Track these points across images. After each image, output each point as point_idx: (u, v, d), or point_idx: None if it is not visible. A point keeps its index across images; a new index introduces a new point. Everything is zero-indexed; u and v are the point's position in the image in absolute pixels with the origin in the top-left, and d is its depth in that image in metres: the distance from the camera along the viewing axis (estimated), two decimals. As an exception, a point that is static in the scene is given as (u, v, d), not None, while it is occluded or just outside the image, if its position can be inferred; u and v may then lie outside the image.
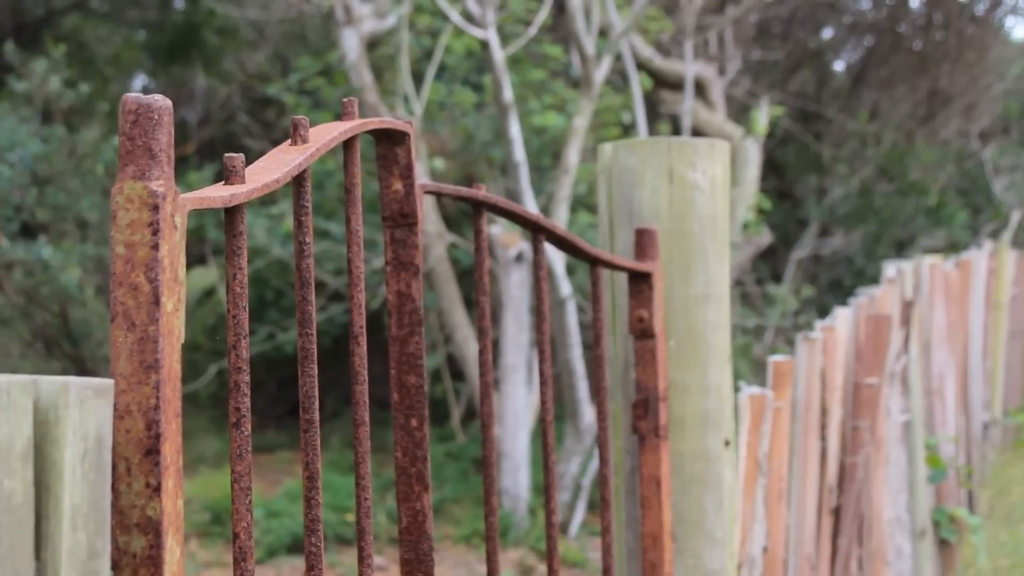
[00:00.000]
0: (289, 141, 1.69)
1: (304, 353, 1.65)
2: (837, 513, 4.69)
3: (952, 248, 14.32)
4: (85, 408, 1.17)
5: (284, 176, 1.56)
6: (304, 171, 1.65)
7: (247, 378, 1.50)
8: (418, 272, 2.06)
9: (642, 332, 2.77)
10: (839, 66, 17.72)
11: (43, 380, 1.15)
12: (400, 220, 2.06)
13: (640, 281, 2.78)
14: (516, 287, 9.43)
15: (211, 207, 1.40)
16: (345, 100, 1.83)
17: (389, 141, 2.03)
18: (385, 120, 1.95)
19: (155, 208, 1.26)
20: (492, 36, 9.17)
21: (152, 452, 1.26)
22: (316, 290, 11.45)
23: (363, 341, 1.82)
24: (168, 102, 1.29)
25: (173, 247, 1.29)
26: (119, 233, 1.27)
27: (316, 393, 1.67)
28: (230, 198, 1.44)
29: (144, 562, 1.26)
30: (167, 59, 15.96)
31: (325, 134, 1.73)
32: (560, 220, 9.26)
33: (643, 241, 2.78)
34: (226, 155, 1.48)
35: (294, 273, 1.67)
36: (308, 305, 1.66)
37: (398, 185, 2.05)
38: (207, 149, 16.29)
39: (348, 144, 1.81)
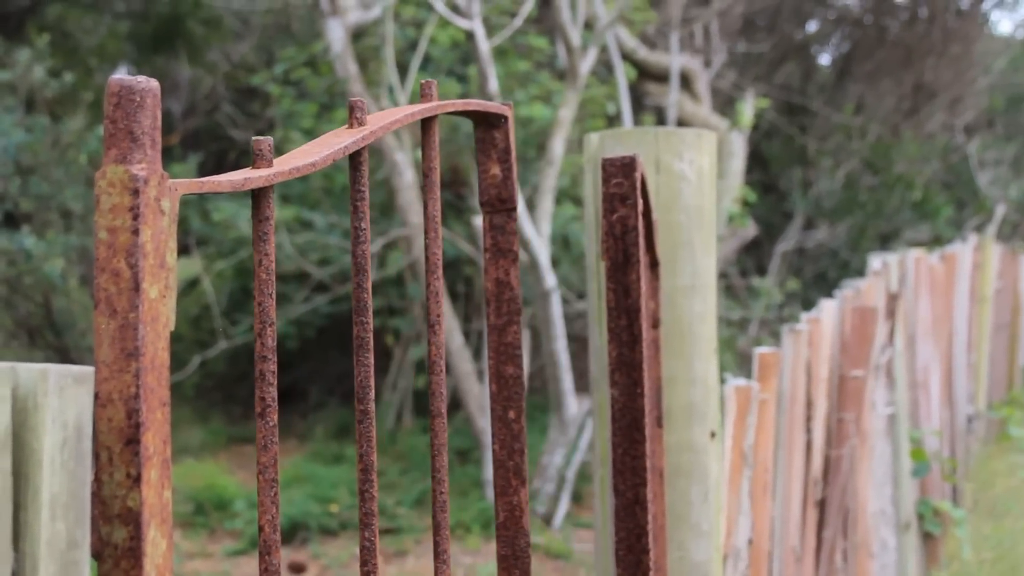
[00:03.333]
0: (346, 124, 1.65)
1: (360, 342, 1.63)
2: (822, 505, 4.68)
3: (937, 242, 14.33)
4: (64, 396, 1.15)
5: (322, 160, 1.53)
6: (360, 153, 1.62)
7: (273, 367, 1.48)
8: (516, 259, 2.02)
9: (654, 323, 2.75)
10: (824, 59, 17.73)
11: (21, 367, 1.13)
12: (498, 205, 2.02)
13: (653, 272, 2.76)
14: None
15: (213, 191, 1.38)
16: (423, 82, 1.80)
17: (487, 125, 1.99)
18: (482, 103, 1.91)
19: (136, 192, 1.23)
20: (478, 27, 9.15)
21: (133, 441, 1.24)
22: (300, 281, 11.42)
23: (440, 330, 1.79)
24: (153, 84, 1.26)
25: (158, 232, 1.26)
26: (101, 218, 1.24)
27: (372, 383, 1.65)
28: (244, 182, 1.41)
29: (125, 553, 1.24)
30: (151, 49, 15.90)
31: (388, 117, 1.70)
32: (545, 212, 9.24)
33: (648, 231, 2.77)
34: (254, 138, 1.45)
35: (351, 260, 1.63)
36: (364, 293, 1.63)
37: (496, 169, 2.01)
38: (191, 140, 16.24)
39: (427, 126, 1.77)
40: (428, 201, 1.76)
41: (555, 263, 10.28)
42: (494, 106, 1.97)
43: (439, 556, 1.78)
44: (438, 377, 1.76)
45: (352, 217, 1.61)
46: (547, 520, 9.04)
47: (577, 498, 9.39)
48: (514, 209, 2.01)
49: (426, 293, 1.79)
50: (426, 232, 1.78)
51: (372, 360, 1.63)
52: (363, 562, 1.65)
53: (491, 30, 10.29)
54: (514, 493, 2.03)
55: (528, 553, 2.03)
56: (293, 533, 8.93)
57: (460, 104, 1.89)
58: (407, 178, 9.73)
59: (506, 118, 1.99)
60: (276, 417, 1.47)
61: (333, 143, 1.57)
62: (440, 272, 1.78)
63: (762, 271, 14.35)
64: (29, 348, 11.29)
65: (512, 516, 2.04)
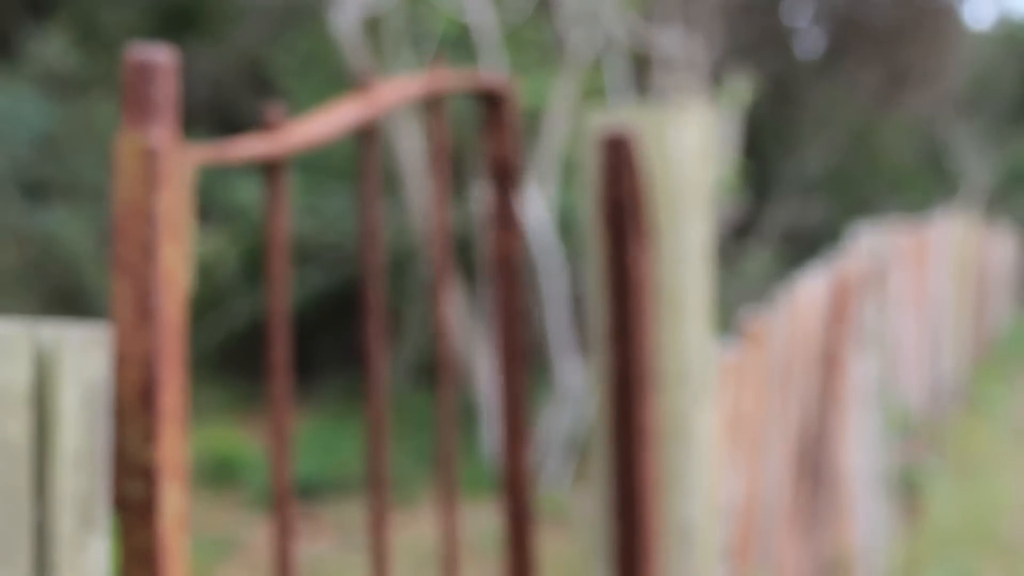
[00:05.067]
0: (354, 97, 1.62)
1: (369, 310, 1.61)
2: (807, 469, 4.67)
3: (917, 216, 14.34)
4: (84, 355, 1.14)
5: (339, 132, 1.51)
6: (371, 126, 1.59)
7: (287, 333, 1.46)
8: (520, 232, 1.99)
9: (647, 291, 2.74)
10: (809, 41, 17.69)
11: (43, 327, 1.11)
12: (503, 179, 1.99)
13: (647, 242, 2.75)
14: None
15: (229, 160, 1.36)
16: (436, 61, 1.77)
17: (492, 101, 1.97)
18: (487, 78, 1.89)
19: (153, 160, 1.22)
20: (485, 17, 9.11)
21: (149, 400, 1.22)
22: (309, 253, 11.39)
23: (445, 300, 1.77)
24: (170, 56, 1.25)
25: (174, 198, 1.24)
26: (120, 185, 1.23)
27: (382, 350, 1.63)
28: (263, 153, 1.39)
29: (142, 507, 1.23)
30: (175, 36, 15.83)
31: (400, 90, 1.67)
32: (547, 184, 9.22)
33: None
34: (267, 107, 1.43)
35: (362, 231, 1.61)
36: (374, 260, 1.61)
37: (501, 144, 1.99)
38: (200, 125, 16.16)
39: (436, 104, 1.75)
40: (436, 180, 1.74)
41: (560, 232, 10.26)
42: (499, 82, 1.94)
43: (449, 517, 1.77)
44: (444, 344, 1.74)
45: (362, 190, 1.58)
46: (546, 481, 9.04)
47: (575, 460, 9.39)
48: (519, 183, 1.99)
49: (432, 265, 1.77)
50: (433, 208, 1.76)
51: (383, 328, 1.61)
52: (375, 526, 1.64)
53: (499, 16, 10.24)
54: (518, 454, 2.02)
55: (532, 512, 2.02)
56: (307, 491, 8.91)
57: (466, 79, 1.86)
58: (411, 146, 9.69)
59: (511, 93, 1.97)
60: (289, 379, 1.45)
61: (344, 114, 1.55)
62: (447, 245, 1.76)
63: (747, 244, 14.34)
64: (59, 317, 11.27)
65: (517, 476, 2.02)
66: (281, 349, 1.47)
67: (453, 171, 10.54)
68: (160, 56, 1.24)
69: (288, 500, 1.49)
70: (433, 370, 11.85)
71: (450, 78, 1.80)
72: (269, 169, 1.46)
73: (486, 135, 1.99)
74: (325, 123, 1.53)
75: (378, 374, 1.67)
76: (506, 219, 2.01)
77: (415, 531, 8.05)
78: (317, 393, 11.68)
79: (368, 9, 10.42)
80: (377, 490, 1.69)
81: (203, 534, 8.15)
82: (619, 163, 2.81)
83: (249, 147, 1.40)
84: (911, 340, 7.67)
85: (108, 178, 10.47)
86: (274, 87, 13.18)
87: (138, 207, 1.22)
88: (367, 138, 1.62)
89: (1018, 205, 19.01)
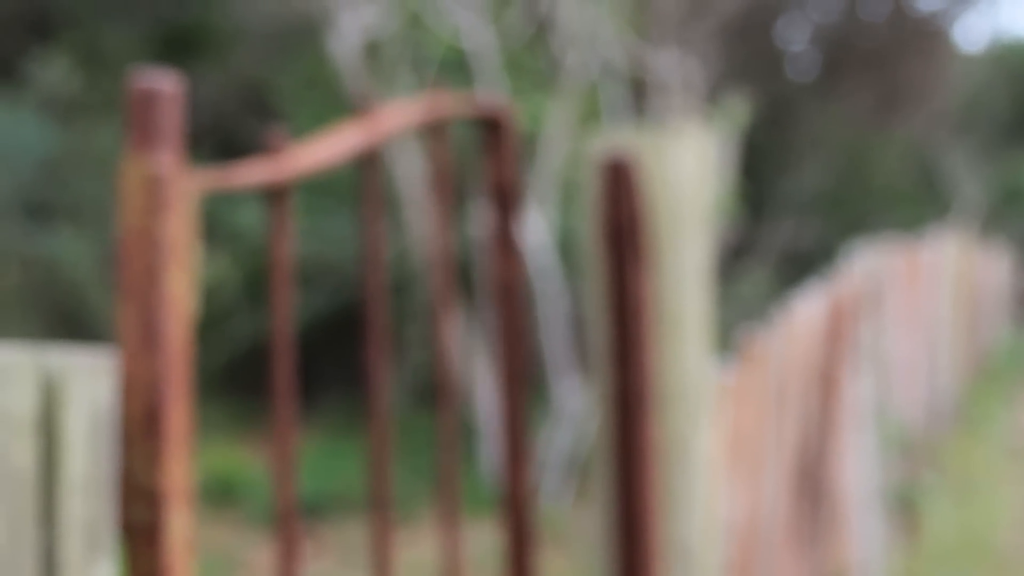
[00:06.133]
0: (356, 123, 1.61)
1: (371, 332, 1.61)
2: (806, 487, 4.66)
3: (911, 235, 14.34)
4: (91, 380, 1.13)
5: (342, 158, 1.51)
6: (372, 153, 1.58)
7: (291, 353, 1.45)
8: (520, 254, 1.98)
9: (647, 313, 2.74)
10: (804, 63, 17.71)
11: (50, 352, 1.11)
12: (503, 203, 1.99)
13: (646, 264, 2.75)
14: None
15: (234, 187, 1.35)
16: (435, 86, 1.77)
17: (491, 125, 1.96)
18: (487, 104, 1.88)
19: (159, 185, 1.21)
20: (483, 42, 9.11)
21: (155, 425, 1.22)
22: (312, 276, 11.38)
23: (447, 323, 1.76)
24: (176, 82, 1.24)
25: (179, 224, 1.24)
26: (125, 211, 1.22)
27: (384, 373, 1.62)
28: (267, 180, 1.38)
29: (147, 531, 1.22)
30: (164, 59, 15.82)
31: (402, 116, 1.67)
32: (548, 208, 9.22)
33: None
34: (269, 131, 1.43)
35: (364, 254, 1.61)
36: (376, 282, 1.61)
37: (501, 168, 1.98)
38: (200, 148, 16.12)
39: (438, 129, 1.74)
40: (437, 206, 1.73)
41: (560, 254, 10.25)
42: (498, 107, 1.94)
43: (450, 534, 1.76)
44: (445, 367, 1.74)
45: (364, 215, 1.58)
46: (546, 500, 9.03)
47: (575, 479, 9.38)
48: (518, 207, 1.98)
49: (434, 289, 1.76)
50: (434, 233, 1.75)
51: (384, 350, 1.60)
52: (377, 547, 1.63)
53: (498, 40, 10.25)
54: (519, 474, 2.01)
55: (533, 532, 2.01)
56: (310, 511, 8.89)
57: (465, 104, 1.86)
58: (410, 170, 9.68)
59: (510, 118, 1.96)
60: (293, 400, 1.45)
61: (346, 140, 1.54)
62: (450, 268, 1.75)
63: (743, 266, 14.34)
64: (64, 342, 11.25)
65: (518, 495, 2.01)
66: (284, 374, 1.47)
67: (453, 194, 10.52)
68: (165, 83, 1.24)
69: (293, 521, 1.49)
70: (435, 390, 11.88)
71: (449, 103, 1.80)
72: (272, 195, 1.45)
73: (486, 159, 1.99)
74: (327, 148, 1.53)
75: (380, 394, 1.67)
76: (506, 243, 2.00)
77: (416, 550, 8.04)
78: (320, 413, 11.67)
79: (367, 34, 10.43)
80: (380, 510, 1.68)
81: (205, 553, 8.13)
82: (619, 187, 2.81)
83: (252, 173, 1.40)
84: (907, 359, 7.67)
85: (111, 201, 10.47)
86: (274, 110, 13.18)
87: (143, 233, 1.22)
88: (368, 163, 1.62)
89: (1012, 224, 19.04)
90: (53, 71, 10.95)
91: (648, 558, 2.73)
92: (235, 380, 12.30)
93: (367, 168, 1.61)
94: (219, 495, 9.27)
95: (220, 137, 14.57)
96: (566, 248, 10.51)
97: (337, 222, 11.14)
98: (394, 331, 11.40)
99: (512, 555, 2.06)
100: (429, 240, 10.05)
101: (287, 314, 1.47)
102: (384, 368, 1.63)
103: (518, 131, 1.97)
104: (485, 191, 1.99)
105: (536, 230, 9.16)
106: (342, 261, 11.02)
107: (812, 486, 4.69)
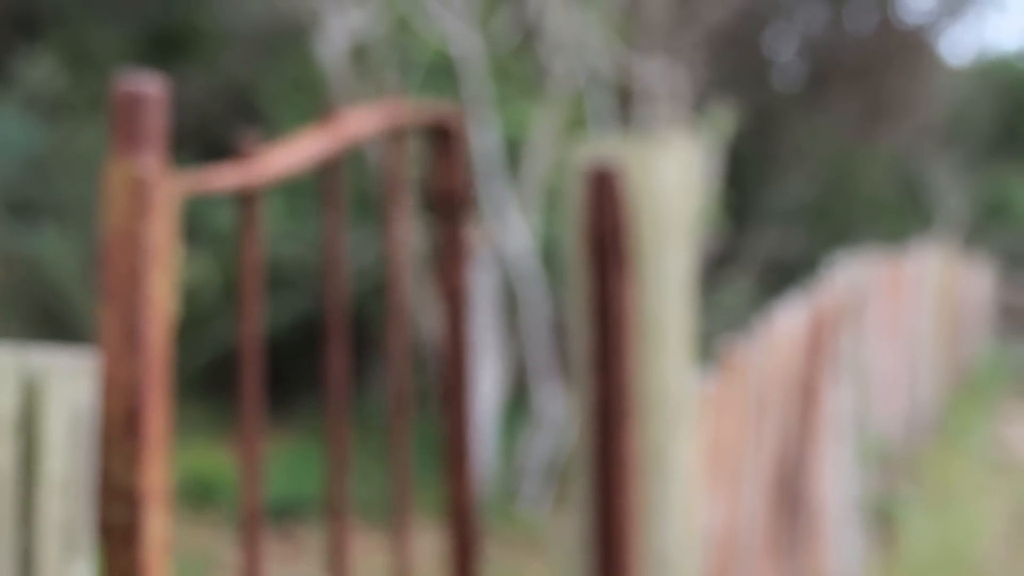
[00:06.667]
0: (320, 127, 1.62)
1: (333, 337, 1.61)
2: (785, 498, 4.67)
3: (894, 247, 14.38)
4: (71, 381, 1.13)
5: (311, 163, 1.52)
6: (334, 159, 1.59)
7: (258, 358, 1.46)
8: (468, 262, 1.99)
9: (628, 322, 2.74)
10: (790, 74, 17.74)
11: (31, 354, 1.11)
12: (452, 210, 1.99)
13: (628, 273, 2.75)
14: (484, 275, 9.39)
15: (213, 191, 1.36)
16: (395, 92, 1.78)
17: (443, 132, 1.96)
18: (438, 112, 1.89)
19: (142, 188, 1.22)
20: (470, 48, 9.12)
21: (134, 426, 1.22)
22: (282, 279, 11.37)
23: (402, 331, 1.77)
24: (159, 86, 1.25)
25: (162, 227, 1.25)
26: (109, 213, 1.23)
27: (345, 376, 1.63)
28: (242, 184, 1.39)
29: (125, 532, 1.22)
30: (166, 62, 15.80)
31: (362, 123, 1.67)
32: (529, 216, 9.22)
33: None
34: (243, 135, 1.44)
35: (325, 258, 1.62)
36: (338, 287, 1.61)
37: (449, 175, 1.98)
38: (186, 150, 16.09)
39: (397, 135, 1.75)
40: (393, 216, 1.74)
41: (543, 261, 10.25)
42: (449, 114, 1.95)
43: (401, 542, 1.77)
44: (400, 374, 1.74)
45: (327, 219, 1.59)
46: (525, 507, 9.03)
47: (554, 486, 9.37)
48: (468, 214, 1.99)
49: (390, 295, 1.77)
50: (392, 243, 1.76)
51: (346, 354, 1.61)
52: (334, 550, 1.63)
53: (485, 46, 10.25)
54: (463, 479, 2.02)
55: (478, 538, 2.01)
56: (285, 512, 8.88)
57: (419, 111, 1.86)
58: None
59: (461, 125, 1.97)
60: (261, 404, 1.45)
61: (310, 145, 1.55)
62: (406, 275, 1.76)
63: (725, 275, 14.36)
64: (46, 342, 11.22)
65: (462, 502, 2.02)
66: (252, 375, 1.47)
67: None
68: (150, 86, 1.24)
69: (258, 525, 1.49)
70: (414, 395, 11.88)
71: (405, 110, 1.80)
72: (242, 199, 1.46)
73: (434, 166, 1.99)
74: (292, 154, 1.53)
75: (341, 398, 1.67)
76: (453, 250, 2.01)
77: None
78: (299, 415, 11.65)
79: (355, 37, 10.42)
80: (338, 516, 1.69)
81: (182, 553, 8.12)
82: (603, 195, 2.82)
83: (225, 177, 1.40)
84: (888, 371, 7.68)
85: (95, 200, 10.43)
86: (261, 113, 13.16)
87: (127, 235, 1.22)
88: (330, 168, 1.63)
89: (995, 238, 19.10)
90: (39, 69, 10.93)
91: (626, 566, 2.73)
92: (215, 381, 12.27)
93: (330, 172, 1.62)
94: (197, 496, 9.26)
95: (206, 139, 14.55)
96: (549, 255, 10.52)
97: (317, 225, 11.13)
98: (374, 335, 11.40)
99: (456, 564, 2.07)
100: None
101: (256, 321, 1.47)
102: (345, 373, 1.64)
103: (467, 138, 1.97)
104: (432, 198, 2.00)
105: (519, 237, 9.16)
106: (321, 264, 11.01)
107: (791, 497, 4.70)
